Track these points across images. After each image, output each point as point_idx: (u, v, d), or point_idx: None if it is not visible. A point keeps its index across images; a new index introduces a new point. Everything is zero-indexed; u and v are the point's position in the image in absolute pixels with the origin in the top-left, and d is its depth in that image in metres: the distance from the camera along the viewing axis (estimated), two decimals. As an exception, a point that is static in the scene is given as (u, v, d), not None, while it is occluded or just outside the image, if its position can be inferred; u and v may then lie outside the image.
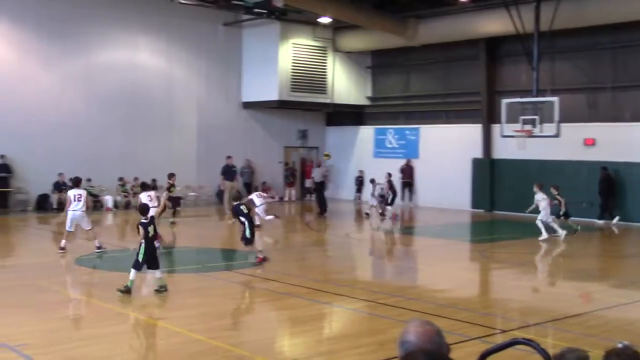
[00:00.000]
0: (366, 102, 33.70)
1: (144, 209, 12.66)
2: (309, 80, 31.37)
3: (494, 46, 28.54)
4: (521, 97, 23.91)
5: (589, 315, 11.08)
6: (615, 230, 23.37)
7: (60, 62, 26.95)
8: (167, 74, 29.65)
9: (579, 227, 21.17)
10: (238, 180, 28.89)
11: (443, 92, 30.82)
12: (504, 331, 10.07)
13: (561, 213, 21.15)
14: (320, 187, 27.68)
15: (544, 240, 19.69)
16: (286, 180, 32.88)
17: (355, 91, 33.29)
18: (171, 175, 22.54)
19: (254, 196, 21.38)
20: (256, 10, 27.99)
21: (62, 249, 16.11)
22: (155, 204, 17.02)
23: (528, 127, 22.87)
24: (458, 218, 26.75)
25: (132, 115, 28.59)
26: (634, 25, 24.14)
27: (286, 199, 32.57)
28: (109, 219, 25.32)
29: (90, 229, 16.52)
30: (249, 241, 15.18)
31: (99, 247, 16.29)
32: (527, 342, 3.81)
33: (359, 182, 32.88)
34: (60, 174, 26.04)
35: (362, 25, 29.12)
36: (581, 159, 25.82)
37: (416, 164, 30.93)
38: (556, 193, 21.11)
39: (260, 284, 13.08)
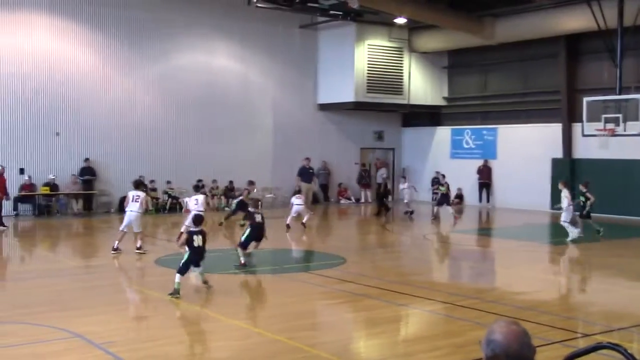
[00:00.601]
0: (443, 103, 33.43)
1: (197, 219, 12.75)
2: (385, 81, 31.33)
3: (574, 43, 27.91)
4: (603, 95, 23.32)
5: (677, 319, 10.74)
6: None
7: (140, 66, 27.69)
8: (243, 77, 30.11)
9: (601, 229, 20.42)
10: (315, 181, 29.04)
11: (521, 91, 30.31)
12: (586, 335, 9.86)
13: (584, 212, 20.55)
14: (379, 188, 27.77)
15: (573, 240, 19.23)
16: (361, 181, 32.84)
17: (432, 91, 33.06)
18: (251, 183, 23.12)
19: (293, 198, 21.87)
20: (332, 12, 28.16)
21: (116, 249, 16.59)
22: (202, 209, 17.38)
23: (611, 125, 22.26)
24: (537, 219, 26.23)
25: (210, 118, 29.14)
26: None
27: (362, 200, 32.56)
28: (188, 220, 25.73)
29: (139, 232, 16.86)
30: (242, 245, 15.09)
31: (139, 248, 16.63)
32: (614, 347, 3.71)
33: (436, 183, 32.58)
34: (140, 176, 26.73)
35: (438, 25, 28.91)
36: (668, 158, 25.02)
37: (494, 164, 30.53)
38: (585, 190, 20.57)
39: (336, 285, 13.13)
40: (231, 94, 29.73)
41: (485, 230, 24.24)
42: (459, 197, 29.94)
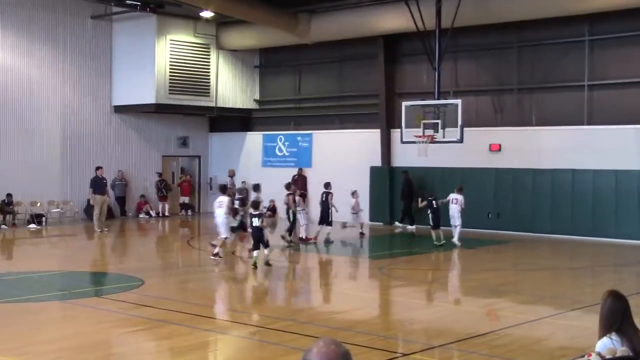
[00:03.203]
0: (254, 106, 33.69)
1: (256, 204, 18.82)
2: (190, 81, 31.09)
3: (393, 44, 29.06)
4: (422, 99, 24.42)
5: (495, 334, 11.41)
6: (414, 233, 25.16)
7: None
8: (25, 73, 28.69)
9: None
10: (109, 193, 28.28)
11: (338, 94, 31.15)
12: (405, 355, 10.24)
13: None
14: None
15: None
16: (159, 193, 32.17)
17: (242, 93, 33.23)
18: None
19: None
20: (128, 1, 27.63)
21: (216, 254, 18.90)
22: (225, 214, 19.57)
23: (429, 132, 23.33)
24: (355, 232, 26.97)
25: (-16, 121, 27.63)
26: (540, 23, 25.13)
27: (161, 214, 31.87)
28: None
29: (224, 238, 19.13)
30: None
31: (215, 255, 18.84)
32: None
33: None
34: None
35: (248, 20, 29.09)
36: (486, 166, 26.63)
37: (309, 173, 31.04)
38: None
39: (133, 310, 12.83)
40: (9, 93, 28.23)
41: (297, 245, 24.57)
42: (272, 209, 30.22)
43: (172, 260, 21.35)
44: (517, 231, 25.63)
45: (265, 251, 17.93)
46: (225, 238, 19.33)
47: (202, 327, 11.67)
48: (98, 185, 26.43)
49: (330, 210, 23.30)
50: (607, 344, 5.44)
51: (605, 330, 5.56)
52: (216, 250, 19.00)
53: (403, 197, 27.75)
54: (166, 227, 29.83)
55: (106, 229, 25.67)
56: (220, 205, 19.42)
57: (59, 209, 29.20)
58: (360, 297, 15.19)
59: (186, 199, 33.15)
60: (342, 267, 19.95)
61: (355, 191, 25.60)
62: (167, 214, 31.82)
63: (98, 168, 27.14)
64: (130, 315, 12.55)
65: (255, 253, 17.77)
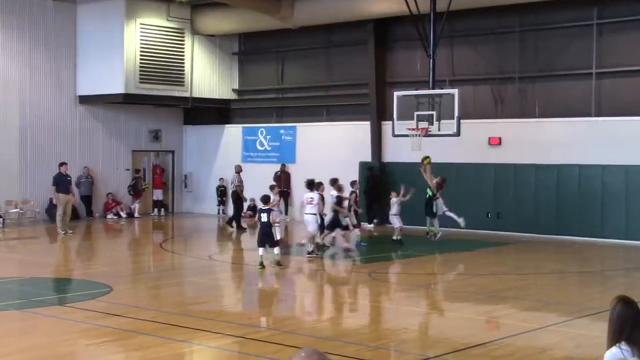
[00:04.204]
0: (232, 96, 33.68)
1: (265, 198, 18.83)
2: (162, 69, 31.05)
3: (383, 29, 29.09)
4: (415, 89, 24.41)
5: (495, 343, 11.43)
6: (375, 233, 25.45)
7: None
8: (-20, 61, 28.63)
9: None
10: (74, 192, 28.17)
11: (324, 83, 31.18)
12: (397, 367, 10.25)
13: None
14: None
15: None
16: (131, 191, 32.04)
17: (220, 83, 33.20)
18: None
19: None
20: (94, -18, 27.52)
21: (310, 253, 20.31)
22: (314, 212, 20.59)
23: (423, 124, 23.33)
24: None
25: None
26: (544, 5, 25.22)
27: (135, 214, 31.86)
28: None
29: (315, 235, 20.47)
30: None
31: (310, 252, 20.23)
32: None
33: (221, 194, 32.72)
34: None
35: (226, 2, 29.03)
36: (485, 161, 26.66)
37: (293, 169, 31.05)
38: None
39: (100, 320, 12.79)
40: (-37, 82, 28.19)
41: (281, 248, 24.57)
42: (253, 209, 30.19)
43: (143, 265, 21.30)
44: (519, 232, 25.70)
45: (275, 250, 18.63)
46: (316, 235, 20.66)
47: (176, 337, 11.64)
48: (62, 182, 26.29)
49: (354, 211, 23.11)
50: (617, 354, 5.45)
51: (614, 339, 5.56)
52: (311, 248, 20.38)
53: (367, 194, 28.15)
54: (137, 229, 29.76)
55: (71, 231, 25.56)
56: (310, 202, 20.48)
57: (17, 209, 29.09)
58: (348, 304, 15.20)
59: (159, 194, 33.08)
60: (329, 272, 19.94)
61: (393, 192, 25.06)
62: (136, 214, 31.69)
63: (62, 164, 27.00)
64: (97, 325, 12.51)
65: (260, 251, 18.36)
